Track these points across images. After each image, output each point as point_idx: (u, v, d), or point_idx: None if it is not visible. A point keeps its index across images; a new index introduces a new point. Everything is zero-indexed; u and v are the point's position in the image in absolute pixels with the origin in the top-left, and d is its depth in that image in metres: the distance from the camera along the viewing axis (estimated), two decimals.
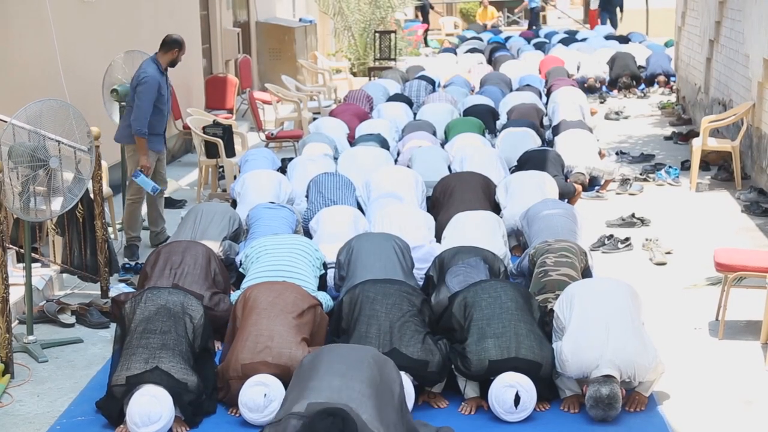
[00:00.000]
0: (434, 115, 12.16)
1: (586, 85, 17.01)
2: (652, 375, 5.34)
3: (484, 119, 11.91)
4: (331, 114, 12.80)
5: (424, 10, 28.95)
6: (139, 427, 5.06)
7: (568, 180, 9.74)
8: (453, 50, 22.29)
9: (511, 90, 14.86)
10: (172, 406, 5.16)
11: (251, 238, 7.39)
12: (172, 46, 8.54)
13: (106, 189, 8.33)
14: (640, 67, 18.09)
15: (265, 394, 5.19)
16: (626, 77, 17.48)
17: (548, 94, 14.60)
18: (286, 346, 5.33)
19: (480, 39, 24.30)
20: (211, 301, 6.32)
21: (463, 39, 25.41)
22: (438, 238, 7.61)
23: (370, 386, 4.50)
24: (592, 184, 10.32)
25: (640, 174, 11.05)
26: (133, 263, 8.06)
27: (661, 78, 17.80)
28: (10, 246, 7.20)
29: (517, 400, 5.19)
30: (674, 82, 17.26)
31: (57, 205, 6.55)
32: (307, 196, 8.76)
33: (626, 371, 5.25)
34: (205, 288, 6.40)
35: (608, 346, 5.26)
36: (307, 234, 7.94)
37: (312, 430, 4.06)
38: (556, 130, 11.39)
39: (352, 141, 11.24)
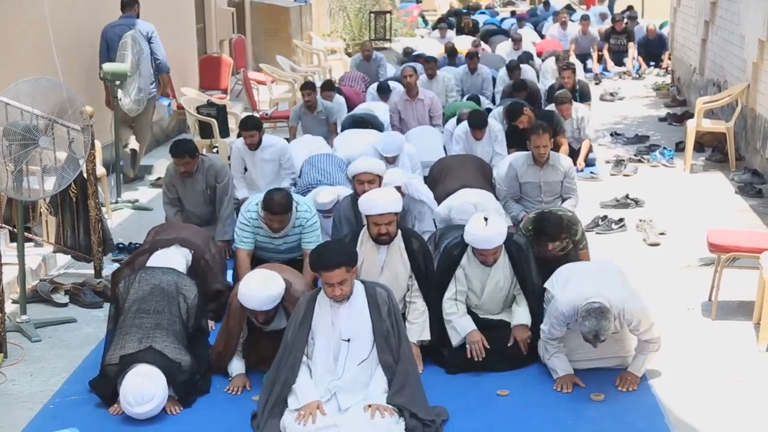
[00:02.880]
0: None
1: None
2: (644, 322, 5.32)
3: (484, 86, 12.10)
4: None
5: None
6: (133, 406, 5.07)
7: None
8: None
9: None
10: (165, 386, 5.16)
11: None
12: (134, 3, 10.33)
13: (99, 169, 8.30)
14: None
15: None
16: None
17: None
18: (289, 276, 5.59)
19: (476, 21, 24.19)
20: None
21: None
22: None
23: None
24: (588, 164, 10.33)
25: (635, 155, 11.05)
26: (126, 243, 8.06)
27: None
28: (3, 225, 7.21)
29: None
30: (668, 52, 17.39)
31: (50, 184, 6.53)
32: (300, 176, 8.77)
33: (617, 307, 5.26)
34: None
35: (599, 288, 5.31)
36: None
37: None
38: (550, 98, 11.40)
39: None
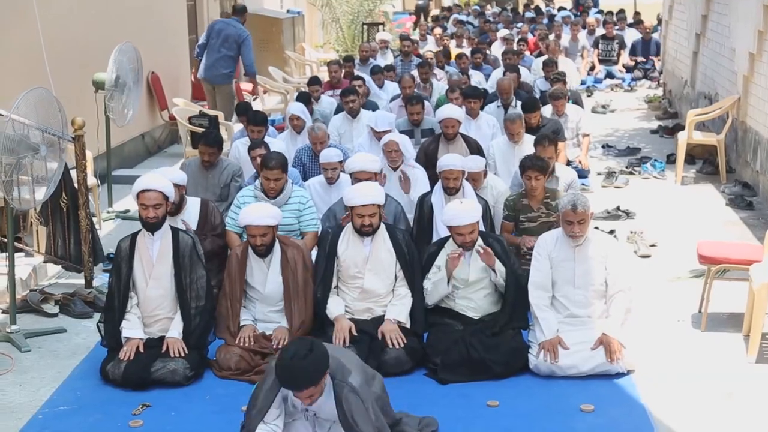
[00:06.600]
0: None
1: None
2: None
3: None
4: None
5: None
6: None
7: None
8: None
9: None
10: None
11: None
12: (245, 11, 12.56)
13: (91, 179, 8.29)
14: None
15: None
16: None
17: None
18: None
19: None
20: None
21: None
22: None
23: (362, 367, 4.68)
24: (579, 175, 10.32)
25: (626, 167, 11.07)
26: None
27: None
28: None
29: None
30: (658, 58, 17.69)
31: (41, 194, 6.52)
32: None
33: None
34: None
35: None
36: None
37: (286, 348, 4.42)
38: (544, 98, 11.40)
39: None
